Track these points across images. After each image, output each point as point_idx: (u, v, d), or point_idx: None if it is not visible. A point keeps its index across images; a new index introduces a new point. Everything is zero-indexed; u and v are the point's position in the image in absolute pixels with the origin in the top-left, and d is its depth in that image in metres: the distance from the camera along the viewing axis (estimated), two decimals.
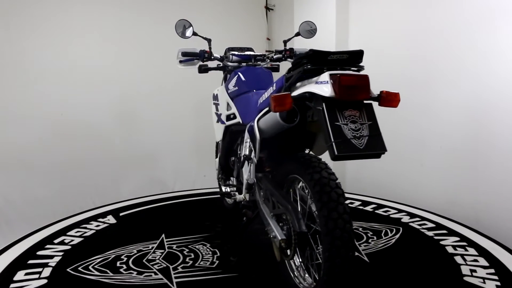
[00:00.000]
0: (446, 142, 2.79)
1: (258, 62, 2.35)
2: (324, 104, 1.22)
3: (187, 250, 2.23)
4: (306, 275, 1.66)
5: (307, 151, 1.83)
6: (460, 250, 2.16)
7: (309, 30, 2.40)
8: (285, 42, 2.44)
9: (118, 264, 2.03)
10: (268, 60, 2.39)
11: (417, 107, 2.78)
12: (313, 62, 1.29)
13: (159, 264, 2.04)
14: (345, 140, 1.19)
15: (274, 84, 1.54)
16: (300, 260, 1.69)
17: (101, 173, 3.58)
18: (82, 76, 3.42)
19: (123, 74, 3.61)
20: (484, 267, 1.95)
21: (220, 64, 2.47)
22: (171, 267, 2.01)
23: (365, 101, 1.27)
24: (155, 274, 1.93)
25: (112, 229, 2.58)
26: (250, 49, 2.49)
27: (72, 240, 2.35)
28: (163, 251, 2.22)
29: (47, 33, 3.22)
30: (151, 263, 2.05)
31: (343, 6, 3.50)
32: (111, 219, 2.75)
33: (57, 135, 3.32)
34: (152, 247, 2.27)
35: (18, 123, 3.18)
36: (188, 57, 2.35)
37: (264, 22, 4.28)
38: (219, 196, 3.14)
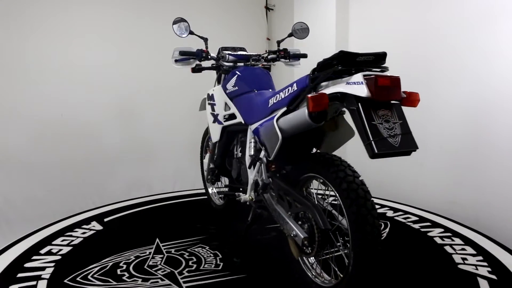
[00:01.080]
0: (446, 142, 2.80)
1: (253, 62, 2.35)
2: (360, 104, 1.26)
3: (187, 253, 2.18)
4: (322, 272, 1.69)
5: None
6: (447, 240, 2.31)
7: (302, 31, 2.44)
8: (278, 42, 2.47)
9: (119, 272, 1.94)
10: (263, 60, 2.40)
11: (417, 107, 2.79)
12: (343, 63, 1.33)
13: (162, 270, 1.98)
14: (382, 139, 1.24)
15: (295, 84, 1.55)
16: (314, 257, 1.72)
17: (101, 173, 3.54)
18: (82, 76, 3.38)
19: (123, 74, 3.59)
20: (473, 255, 2.10)
21: (214, 64, 2.44)
22: (176, 272, 1.96)
23: (392, 101, 1.32)
24: (162, 280, 1.87)
25: (100, 236, 2.46)
26: (243, 49, 2.48)
27: (60, 250, 2.21)
28: (162, 256, 2.15)
29: (47, 33, 3.18)
30: (153, 269, 1.99)
31: (343, 6, 3.50)
32: (96, 225, 2.62)
33: (57, 135, 3.30)
34: (150, 253, 2.19)
35: (18, 123, 3.14)
36: (186, 56, 2.30)
37: (264, 22, 4.30)
38: (205, 197, 3.11)
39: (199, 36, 2.37)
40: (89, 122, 3.48)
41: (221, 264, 2.06)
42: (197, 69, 2.40)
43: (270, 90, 2.14)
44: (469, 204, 2.73)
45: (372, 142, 1.22)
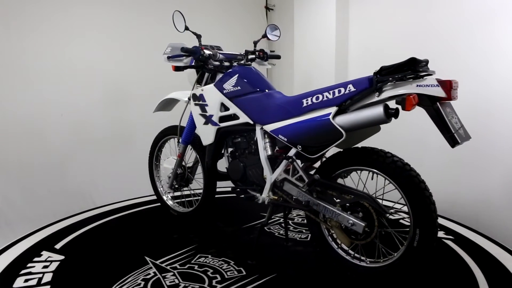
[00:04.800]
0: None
1: (236, 63, 2.32)
2: (438, 103, 1.49)
3: (197, 266, 2.02)
4: (361, 255, 1.86)
5: None
6: (397, 216, 2.74)
7: (275, 33, 2.52)
8: (255, 43, 2.48)
9: None
10: (244, 61, 2.38)
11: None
12: (412, 69, 1.53)
13: (190, 287, 1.80)
14: (456, 131, 1.50)
15: (350, 85, 1.65)
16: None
17: (101, 173, 3.51)
18: (82, 76, 3.35)
19: (124, 74, 3.56)
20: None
21: (197, 62, 2.30)
22: (205, 286, 1.81)
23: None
24: None
25: (70, 266, 2.01)
26: (219, 48, 2.42)
27: None
28: (172, 273, 1.93)
29: (47, 33, 3.15)
30: None
31: (343, 6, 3.49)
32: (52, 255, 2.11)
33: (56, 135, 3.28)
34: (154, 273, 1.94)
35: (18, 123, 3.11)
36: (187, 53, 2.12)
37: (264, 22, 4.25)
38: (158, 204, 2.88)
39: (193, 33, 2.23)
40: (90, 122, 3.43)
41: (241, 268, 1.99)
42: (181, 68, 2.22)
43: (267, 90, 2.16)
44: (469, 204, 2.74)
45: (454, 134, 1.48)
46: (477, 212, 2.68)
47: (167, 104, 2.71)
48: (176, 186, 2.65)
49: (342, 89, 1.68)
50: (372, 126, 1.66)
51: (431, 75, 1.60)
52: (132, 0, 3.54)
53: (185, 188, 2.70)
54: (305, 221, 2.67)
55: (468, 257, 2.08)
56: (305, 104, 1.81)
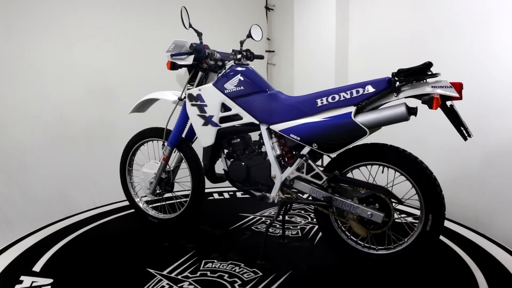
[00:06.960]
0: (446, 142, 2.75)
1: (245, 61, 2.28)
2: (451, 102, 1.68)
3: (209, 272, 1.95)
4: (371, 244, 1.99)
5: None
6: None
7: (257, 33, 2.53)
8: (241, 42, 2.45)
9: None
10: (242, 60, 2.34)
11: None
12: (427, 72, 1.69)
13: None
14: (467, 126, 1.71)
15: (369, 86, 1.75)
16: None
17: (101, 173, 3.49)
18: (82, 76, 3.37)
19: (124, 74, 3.56)
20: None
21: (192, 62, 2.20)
22: None
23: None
24: None
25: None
26: (207, 47, 2.36)
27: None
28: (188, 283, 1.84)
29: (47, 33, 3.18)
30: None
31: (343, 6, 3.46)
32: (37, 280, 1.84)
33: (57, 135, 3.30)
34: (169, 284, 1.82)
35: (18, 123, 3.12)
36: (194, 51, 2.01)
37: (264, 22, 4.20)
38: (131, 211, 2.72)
39: (195, 30, 2.15)
40: (89, 122, 3.44)
41: (254, 269, 1.98)
42: (177, 66, 2.10)
43: (268, 90, 2.16)
44: (469, 204, 2.74)
45: (467, 129, 1.68)
46: (476, 212, 2.69)
47: (145, 105, 2.54)
48: (159, 191, 2.49)
49: (361, 90, 1.78)
50: (392, 124, 1.80)
51: (436, 76, 1.79)
52: (131, 1, 3.52)
53: (168, 193, 2.55)
54: (293, 219, 2.77)
55: (468, 257, 2.09)
56: (319, 104, 1.87)
